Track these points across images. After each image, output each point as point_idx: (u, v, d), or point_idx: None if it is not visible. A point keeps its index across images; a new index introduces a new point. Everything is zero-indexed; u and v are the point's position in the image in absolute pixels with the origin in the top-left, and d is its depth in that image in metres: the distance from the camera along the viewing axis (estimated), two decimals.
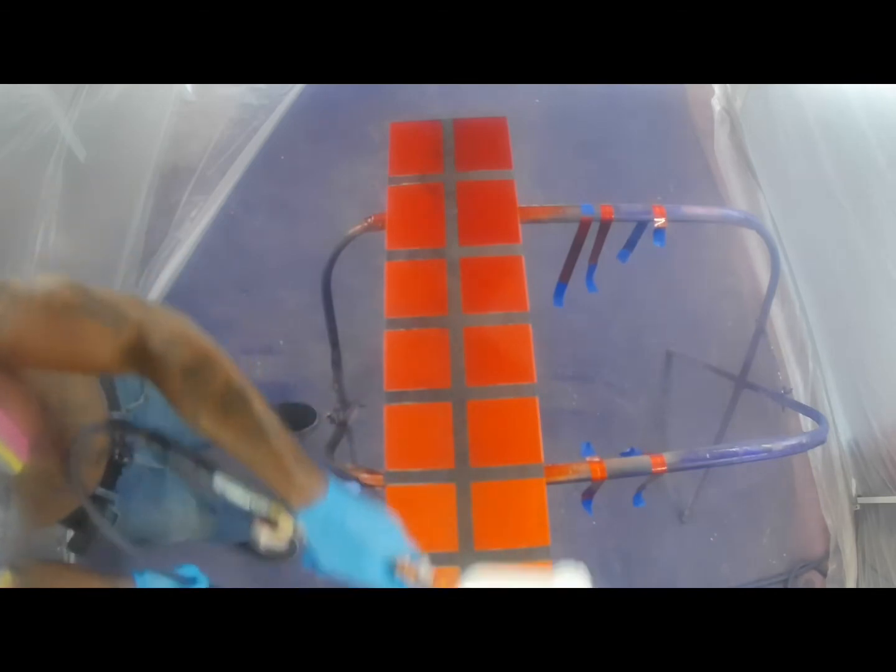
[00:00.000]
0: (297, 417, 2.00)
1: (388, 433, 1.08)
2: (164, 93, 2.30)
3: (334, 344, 1.54)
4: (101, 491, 1.01)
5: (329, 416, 2.00)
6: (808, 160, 1.99)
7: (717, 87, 2.62)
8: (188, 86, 2.52)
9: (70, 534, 1.07)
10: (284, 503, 0.73)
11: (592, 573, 0.78)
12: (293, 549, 0.79)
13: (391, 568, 0.74)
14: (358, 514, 0.74)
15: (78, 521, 0.99)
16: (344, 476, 1.14)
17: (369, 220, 1.32)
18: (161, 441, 0.77)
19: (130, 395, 1.08)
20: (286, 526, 0.74)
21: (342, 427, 1.57)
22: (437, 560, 0.99)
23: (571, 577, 0.75)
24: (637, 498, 1.27)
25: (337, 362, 1.57)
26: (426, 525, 1.01)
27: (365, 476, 1.10)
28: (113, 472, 1.03)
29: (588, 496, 1.15)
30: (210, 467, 0.75)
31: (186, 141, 2.37)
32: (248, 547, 1.85)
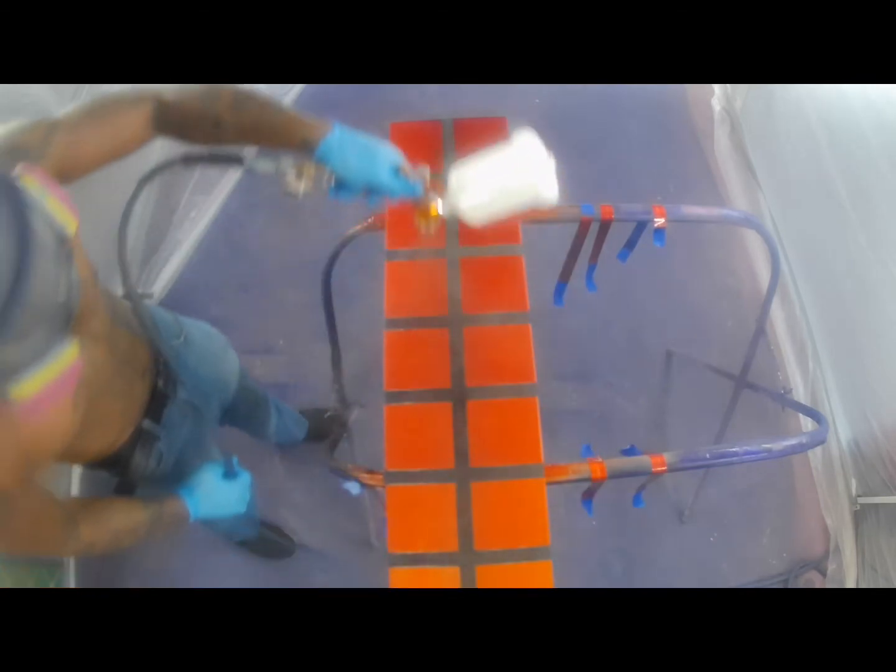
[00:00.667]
0: (324, 423, 2.00)
1: (388, 433, 1.08)
2: None
3: (334, 344, 1.54)
4: (147, 423, 1.02)
5: (329, 416, 2.00)
6: (809, 160, 1.99)
7: (717, 87, 2.62)
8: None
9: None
10: (308, 145, 0.85)
11: (592, 573, 0.77)
12: None
13: (397, 170, 0.87)
14: (362, 136, 0.88)
15: (122, 461, 1.00)
16: (344, 476, 1.14)
17: (369, 220, 1.31)
18: (193, 158, 0.89)
19: (170, 333, 1.15)
20: (310, 167, 0.86)
21: (342, 427, 1.57)
22: (437, 560, 0.99)
23: (527, 142, 0.85)
24: (637, 498, 1.27)
25: (337, 362, 1.56)
26: (426, 525, 1.01)
27: (365, 476, 1.10)
28: (158, 405, 1.04)
29: (588, 496, 1.15)
30: (239, 158, 0.87)
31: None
32: (249, 544, 1.86)
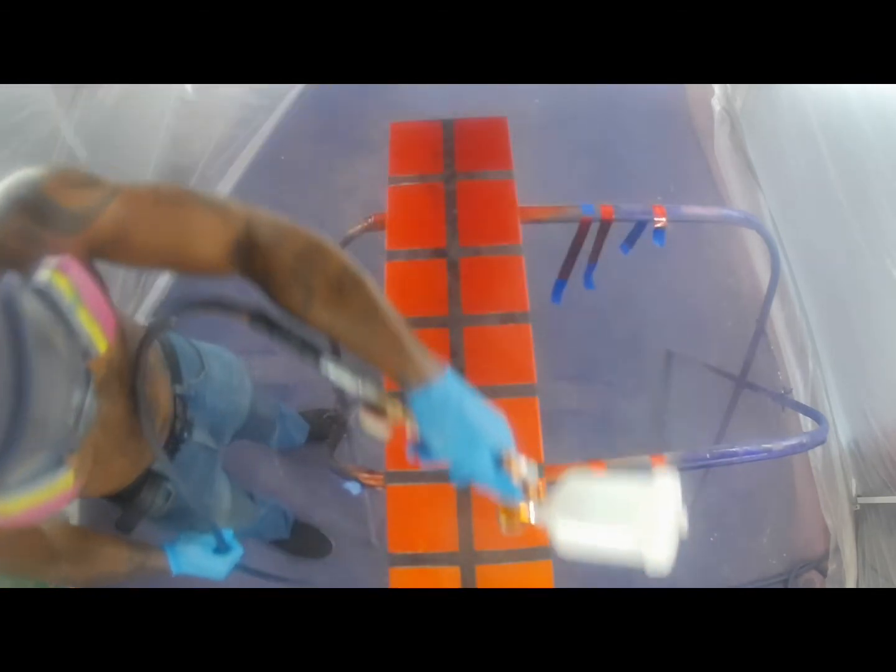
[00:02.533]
0: (324, 425, 2.00)
1: None
2: (164, 93, 2.29)
3: (334, 344, 1.54)
4: (158, 465, 1.00)
5: (329, 416, 2.00)
6: (809, 160, 1.99)
7: (717, 87, 2.62)
8: (188, 86, 2.51)
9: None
10: (401, 382, 0.70)
11: (593, 573, 0.77)
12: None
13: (498, 460, 0.70)
14: (472, 400, 0.71)
15: (129, 496, 0.98)
16: (344, 476, 1.14)
17: (369, 220, 1.31)
18: (265, 320, 0.70)
19: (192, 370, 1.09)
20: (395, 411, 0.71)
21: (342, 427, 1.57)
22: (437, 560, 0.99)
23: (664, 492, 0.67)
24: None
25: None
26: (426, 525, 1.01)
27: (365, 476, 1.10)
28: (172, 448, 1.02)
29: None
30: (316, 350, 0.71)
31: (186, 141, 2.37)
32: (283, 544, 1.87)
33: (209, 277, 0.71)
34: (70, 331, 0.55)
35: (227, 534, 1.07)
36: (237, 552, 1.08)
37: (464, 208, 1.28)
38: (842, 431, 1.97)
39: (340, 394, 1.56)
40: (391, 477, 1.04)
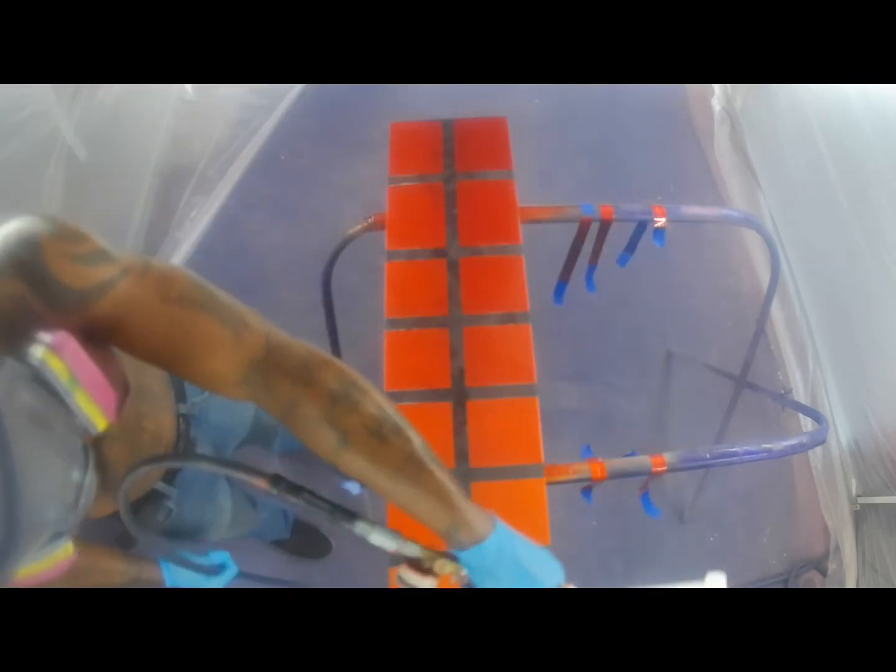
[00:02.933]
0: None
1: None
2: (164, 93, 2.29)
3: (334, 344, 1.54)
4: (160, 486, 1.00)
5: None
6: (809, 160, 1.99)
7: (717, 87, 2.62)
8: (188, 86, 2.52)
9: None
10: (450, 540, 0.66)
11: (593, 573, 0.77)
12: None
13: None
14: (525, 548, 0.69)
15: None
16: (344, 476, 1.14)
17: (369, 220, 1.31)
18: (287, 484, 0.63)
19: (196, 389, 1.04)
20: (444, 569, 0.67)
21: None
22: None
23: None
24: (648, 507, 1.25)
25: None
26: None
27: None
28: (173, 470, 1.02)
29: (587, 488, 1.15)
30: (350, 514, 0.65)
31: (186, 141, 2.37)
32: (283, 544, 1.87)
33: (218, 397, 0.64)
34: (66, 412, 0.52)
35: (223, 556, 1.06)
36: (231, 572, 1.08)
37: (464, 208, 1.28)
38: (842, 431, 1.97)
39: None
40: None
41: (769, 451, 1.14)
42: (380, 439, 0.61)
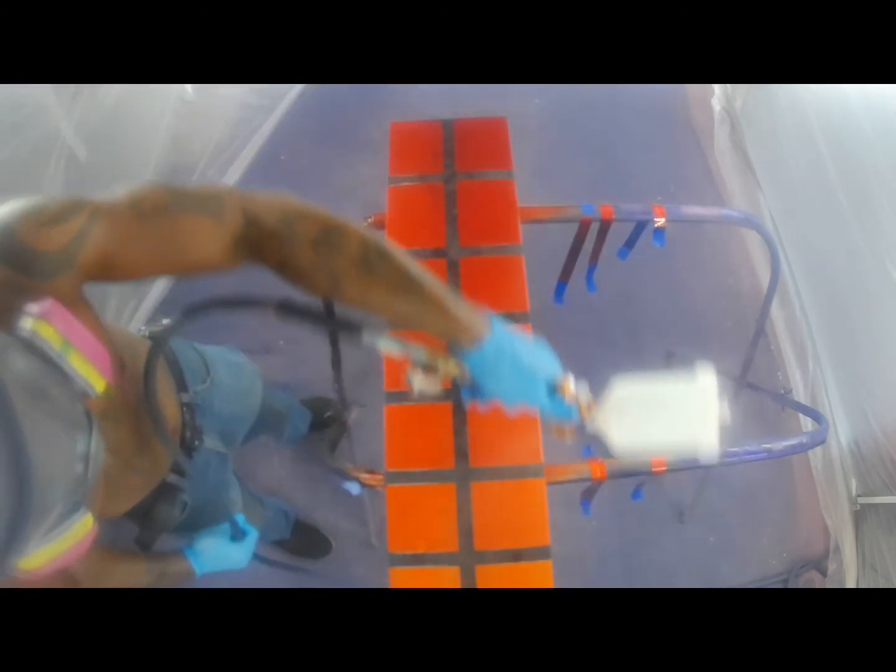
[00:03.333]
0: (325, 411, 2.00)
1: (388, 433, 1.08)
2: (164, 93, 2.29)
3: (334, 344, 1.54)
4: (172, 478, 0.97)
5: (329, 416, 2.00)
6: (809, 160, 1.99)
7: (717, 87, 2.62)
8: (188, 86, 2.51)
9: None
10: (452, 344, 0.70)
11: (592, 573, 0.77)
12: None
13: (553, 389, 0.75)
14: (522, 343, 0.73)
15: (145, 512, 0.96)
16: (344, 476, 1.14)
17: (369, 220, 1.31)
18: (293, 309, 0.68)
19: (197, 378, 1.06)
20: (447, 368, 0.72)
21: (342, 427, 1.57)
22: (437, 560, 0.99)
23: (706, 386, 0.74)
24: (636, 493, 1.27)
25: (337, 362, 1.56)
26: (426, 525, 1.01)
27: (365, 476, 1.10)
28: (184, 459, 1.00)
29: (587, 497, 1.15)
30: (355, 327, 0.70)
31: (186, 141, 2.36)
32: (283, 544, 1.87)
33: (218, 274, 0.67)
34: (64, 378, 0.53)
35: (240, 518, 1.06)
36: (253, 535, 1.07)
37: (464, 208, 1.28)
38: (842, 431, 1.97)
39: (340, 394, 1.56)
40: (391, 477, 1.04)
41: (769, 451, 1.14)
42: (367, 270, 0.65)
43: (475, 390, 0.75)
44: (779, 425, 2.08)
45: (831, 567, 1.95)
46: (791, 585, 1.95)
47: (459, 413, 1.08)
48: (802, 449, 1.25)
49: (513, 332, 0.73)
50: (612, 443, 0.75)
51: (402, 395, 1.10)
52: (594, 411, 0.76)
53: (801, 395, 2.09)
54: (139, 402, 0.75)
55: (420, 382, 0.73)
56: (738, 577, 1.97)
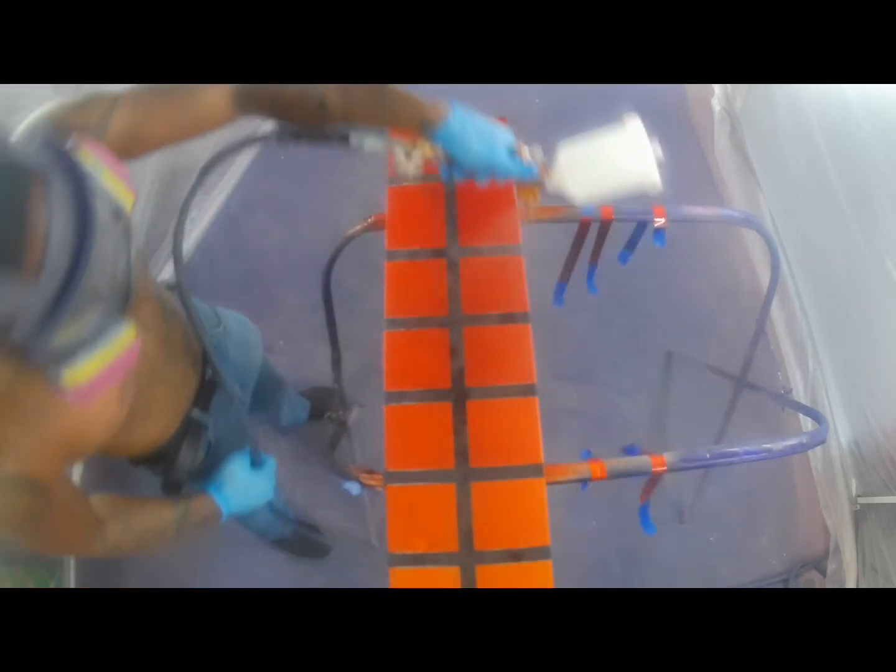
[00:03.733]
0: (324, 401, 2.01)
1: (388, 433, 1.08)
2: None
3: (334, 344, 1.54)
4: (196, 413, 0.99)
5: (329, 416, 2.00)
6: (809, 160, 1.99)
7: (717, 87, 2.62)
8: None
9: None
10: (424, 127, 0.84)
11: (592, 573, 0.78)
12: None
13: (512, 152, 0.88)
14: (478, 118, 0.88)
15: (171, 454, 0.97)
16: (344, 476, 1.14)
17: (369, 220, 1.31)
18: (290, 132, 0.85)
19: (211, 323, 1.13)
20: (424, 150, 0.86)
21: (342, 427, 1.57)
22: (437, 560, 0.99)
23: (635, 128, 0.88)
24: (644, 517, 1.25)
25: (337, 362, 1.56)
26: (426, 525, 1.01)
27: (365, 476, 1.10)
28: (207, 393, 1.02)
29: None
30: (342, 135, 0.84)
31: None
32: (283, 544, 1.87)
33: (222, 129, 0.81)
34: (102, 193, 0.59)
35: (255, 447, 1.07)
36: (272, 463, 1.08)
37: (464, 208, 1.28)
38: (842, 431, 1.97)
39: (340, 394, 1.56)
40: (391, 477, 1.04)
41: (769, 451, 1.14)
42: (345, 88, 0.80)
43: (451, 165, 0.89)
44: (779, 425, 2.08)
45: (831, 567, 1.95)
46: (791, 585, 1.95)
47: (459, 413, 1.08)
48: (802, 449, 1.25)
49: (471, 110, 0.87)
50: (570, 196, 0.89)
51: (402, 395, 1.10)
52: (550, 172, 0.89)
53: (801, 395, 2.09)
54: (164, 316, 0.86)
55: (404, 166, 0.86)
56: (738, 577, 1.97)
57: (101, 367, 0.60)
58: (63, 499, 0.74)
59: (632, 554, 1.97)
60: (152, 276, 0.87)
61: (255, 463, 1.05)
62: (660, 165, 0.86)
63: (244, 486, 1.02)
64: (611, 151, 0.87)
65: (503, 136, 0.89)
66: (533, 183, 0.91)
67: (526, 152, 0.89)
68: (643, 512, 1.24)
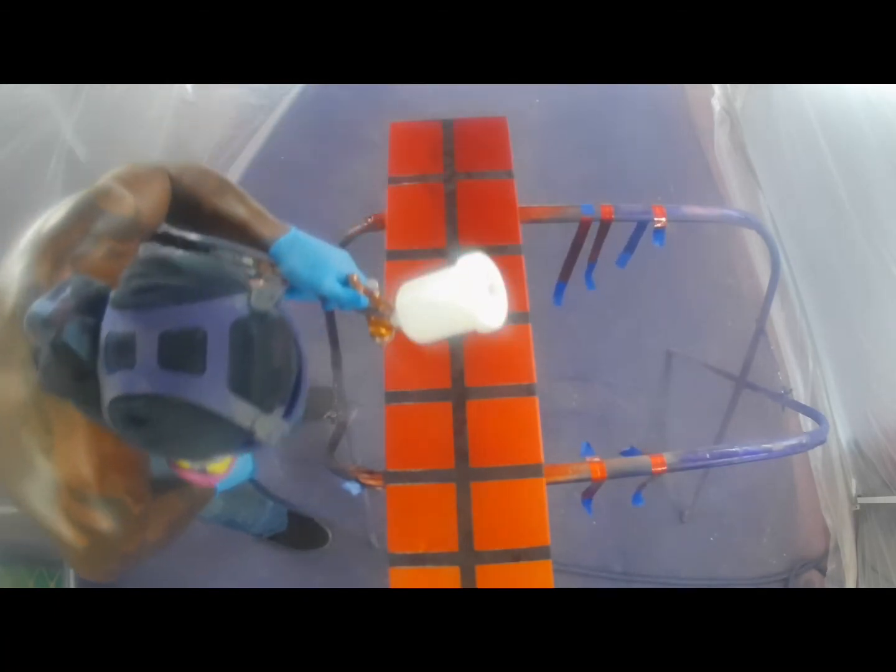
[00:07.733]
0: (324, 401, 2.00)
1: (388, 433, 1.08)
2: (165, 93, 2.30)
3: (334, 344, 1.54)
4: None
5: (329, 416, 2.00)
6: (809, 160, 1.99)
7: (717, 87, 2.62)
8: (188, 86, 2.52)
9: None
10: (262, 240, 0.90)
11: (592, 573, 0.77)
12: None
13: (345, 280, 0.91)
14: (317, 242, 0.92)
15: None
16: (344, 476, 1.14)
17: (369, 220, 1.31)
18: (170, 238, 0.93)
19: None
20: (265, 267, 0.90)
21: (342, 427, 1.57)
22: (437, 560, 0.99)
23: (471, 267, 0.84)
24: (636, 497, 1.27)
25: (337, 362, 1.56)
26: (426, 525, 1.01)
27: (365, 476, 1.10)
28: None
29: (588, 495, 1.15)
30: (211, 246, 0.92)
31: (186, 141, 2.37)
32: (280, 537, 1.87)
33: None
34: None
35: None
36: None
37: (464, 208, 1.28)
38: (842, 431, 1.97)
39: (340, 394, 1.56)
40: (391, 477, 1.04)
41: (769, 451, 1.14)
42: (220, 196, 0.89)
43: (290, 290, 0.92)
44: (779, 425, 2.08)
45: (831, 567, 1.95)
46: (791, 585, 1.94)
47: (459, 413, 1.08)
48: (802, 449, 1.25)
49: (311, 237, 0.92)
50: (410, 335, 0.89)
51: (402, 395, 1.10)
52: (385, 305, 0.91)
53: (801, 395, 2.09)
54: None
55: (256, 294, 0.85)
56: (738, 577, 1.97)
57: (221, 469, 0.86)
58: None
59: (632, 554, 1.97)
60: None
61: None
62: (500, 292, 0.86)
63: (239, 463, 1.03)
64: (444, 294, 0.85)
65: (339, 265, 0.91)
66: (377, 316, 0.92)
67: (361, 284, 0.90)
68: (637, 495, 1.26)
